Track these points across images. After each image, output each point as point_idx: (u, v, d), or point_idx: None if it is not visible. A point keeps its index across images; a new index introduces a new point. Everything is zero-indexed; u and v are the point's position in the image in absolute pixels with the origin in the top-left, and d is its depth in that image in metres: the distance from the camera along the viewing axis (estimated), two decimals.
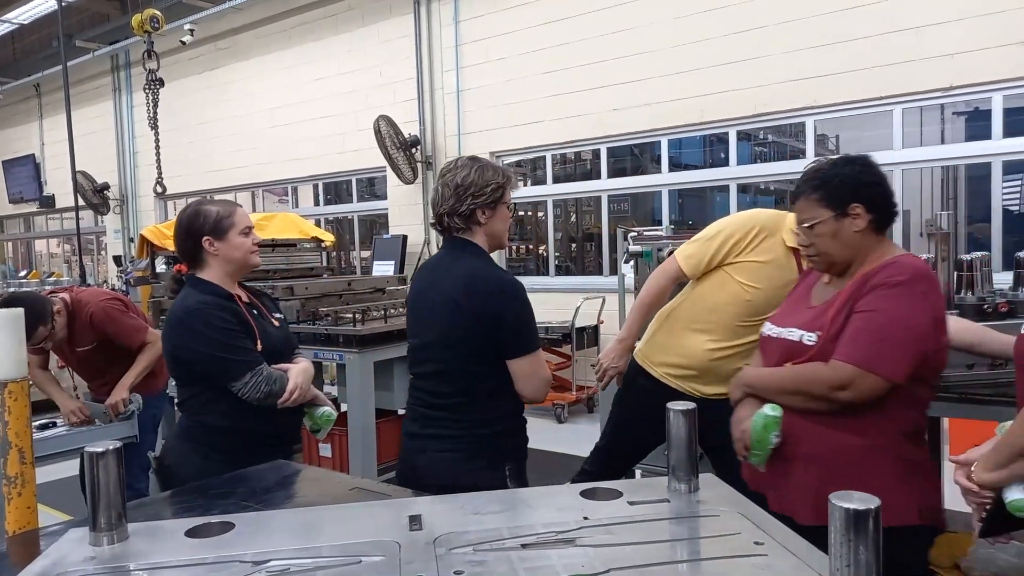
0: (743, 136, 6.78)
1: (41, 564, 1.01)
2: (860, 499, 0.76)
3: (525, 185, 8.59)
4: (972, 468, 1.51)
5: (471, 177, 1.97)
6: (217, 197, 10.95)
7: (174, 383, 2.35)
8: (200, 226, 2.18)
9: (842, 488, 0.80)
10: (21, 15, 11.04)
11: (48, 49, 12.06)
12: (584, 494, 1.17)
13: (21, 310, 1.62)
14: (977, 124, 5.73)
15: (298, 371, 2.21)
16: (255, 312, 2.26)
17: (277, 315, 2.39)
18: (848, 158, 1.81)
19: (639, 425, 2.60)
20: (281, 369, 2.18)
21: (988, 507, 1.48)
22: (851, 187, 1.75)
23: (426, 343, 2.02)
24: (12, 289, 7.59)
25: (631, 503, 1.14)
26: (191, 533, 1.10)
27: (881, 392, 1.65)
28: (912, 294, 1.67)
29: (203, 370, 2.12)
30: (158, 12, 7.68)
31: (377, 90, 8.58)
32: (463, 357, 1.94)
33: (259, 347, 2.15)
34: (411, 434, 2.05)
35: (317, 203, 10.30)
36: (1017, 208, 5.82)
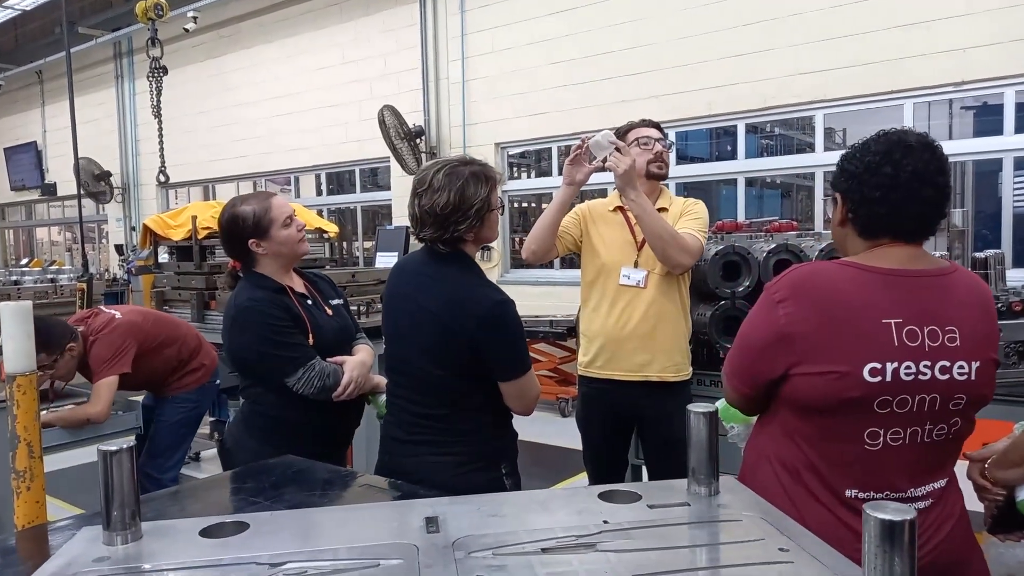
0: (750, 129, 6.74)
1: (55, 564, 0.99)
2: (896, 509, 0.75)
3: (530, 177, 8.56)
4: (986, 465, 1.50)
5: (452, 201, 1.77)
6: (220, 187, 11.02)
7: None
8: (241, 230, 2.15)
9: None
10: (23, 1, 10.99)
11: (50, 36, 12.01)
12: (603, 496, 1.16)
13: (29, 303, 1.60)
14: (985, 119, 5.70)
15: (354, 364, 2.18)
16: (309, 303, 2.24)
17: (335, 301, 2.35)
18: (877, 135, 1.47)
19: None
20: (336, 362, 2.17)
21: (999, 504, 1.48)
22: (838, 169, 1.51)
23: (407, 356, 1.90)
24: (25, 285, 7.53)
25: (651, 506, 1.12)
26: (205, 533, 1.09)
27: None
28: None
29: (256, 367, 2.14)
30: None
31: (381, 79, 8.53)
32: (448, 374, 1.84)
33: (311, 341, 2.14)
34: (396, 439, 1.94)
35: (320, 193, 10.27)
36: None
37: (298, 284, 2.28)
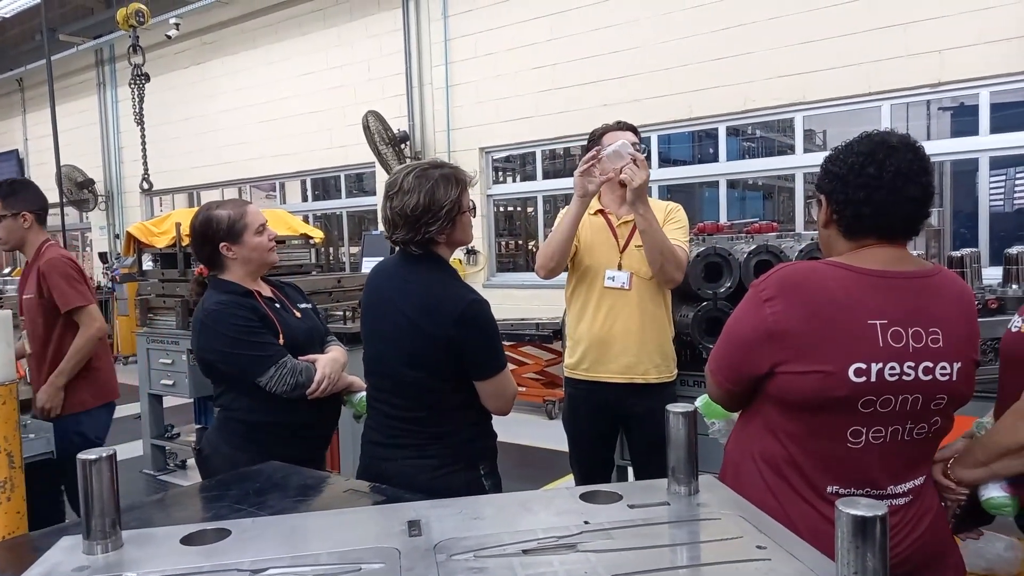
0: (731, 132, 6.81)
1: (34, 574, 0.99)
2: (867, 505, 0.76)
3: (515, 181, 8.58)
4: (948, 465, 1.52)
5: (421, 203, 1.79)
6: (204, 193, 10.96)
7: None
8: (214, 232, 2.19)
9: None
10: (2, 8, 10.87)
11: (31, 43, 11.90)
12: (584, 497, 1.16)
13: (9, 313, 1.59)
14: (962, 120, 5.78)
15: (326, 361, 2.20)
16: (277, 305, 2.27)
17: (303, 305, 2.38)
18: (860, 136, 1.48)
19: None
20: (308, 360, 2.18)
21: (963, 503, 1.49)
22: (822, 171, 1.51)
23: (385, 358, 1.91)
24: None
25: (631, 506, 1.13)
26: (186, 540, 1.08)
27: None
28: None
29: (227, 369, 2.14)
30: (143, 6, 7.58)
31: (365, 85, 8.53)
32: (425, 377, 1.85)
33: (281, 340, 2.15)
34: (376, 443, 1.94)
35: (305, 199, 10.23)
36: (1002, 206, 5.87)
37: (265, 290, 2.32)
